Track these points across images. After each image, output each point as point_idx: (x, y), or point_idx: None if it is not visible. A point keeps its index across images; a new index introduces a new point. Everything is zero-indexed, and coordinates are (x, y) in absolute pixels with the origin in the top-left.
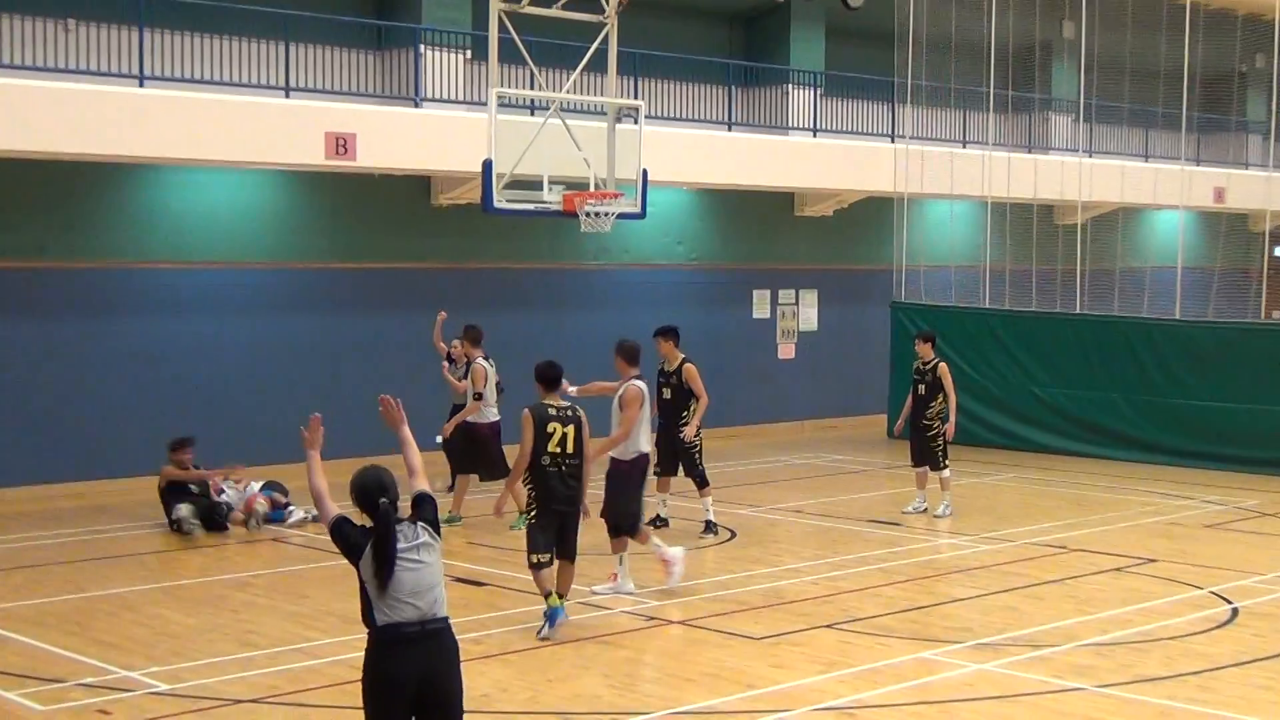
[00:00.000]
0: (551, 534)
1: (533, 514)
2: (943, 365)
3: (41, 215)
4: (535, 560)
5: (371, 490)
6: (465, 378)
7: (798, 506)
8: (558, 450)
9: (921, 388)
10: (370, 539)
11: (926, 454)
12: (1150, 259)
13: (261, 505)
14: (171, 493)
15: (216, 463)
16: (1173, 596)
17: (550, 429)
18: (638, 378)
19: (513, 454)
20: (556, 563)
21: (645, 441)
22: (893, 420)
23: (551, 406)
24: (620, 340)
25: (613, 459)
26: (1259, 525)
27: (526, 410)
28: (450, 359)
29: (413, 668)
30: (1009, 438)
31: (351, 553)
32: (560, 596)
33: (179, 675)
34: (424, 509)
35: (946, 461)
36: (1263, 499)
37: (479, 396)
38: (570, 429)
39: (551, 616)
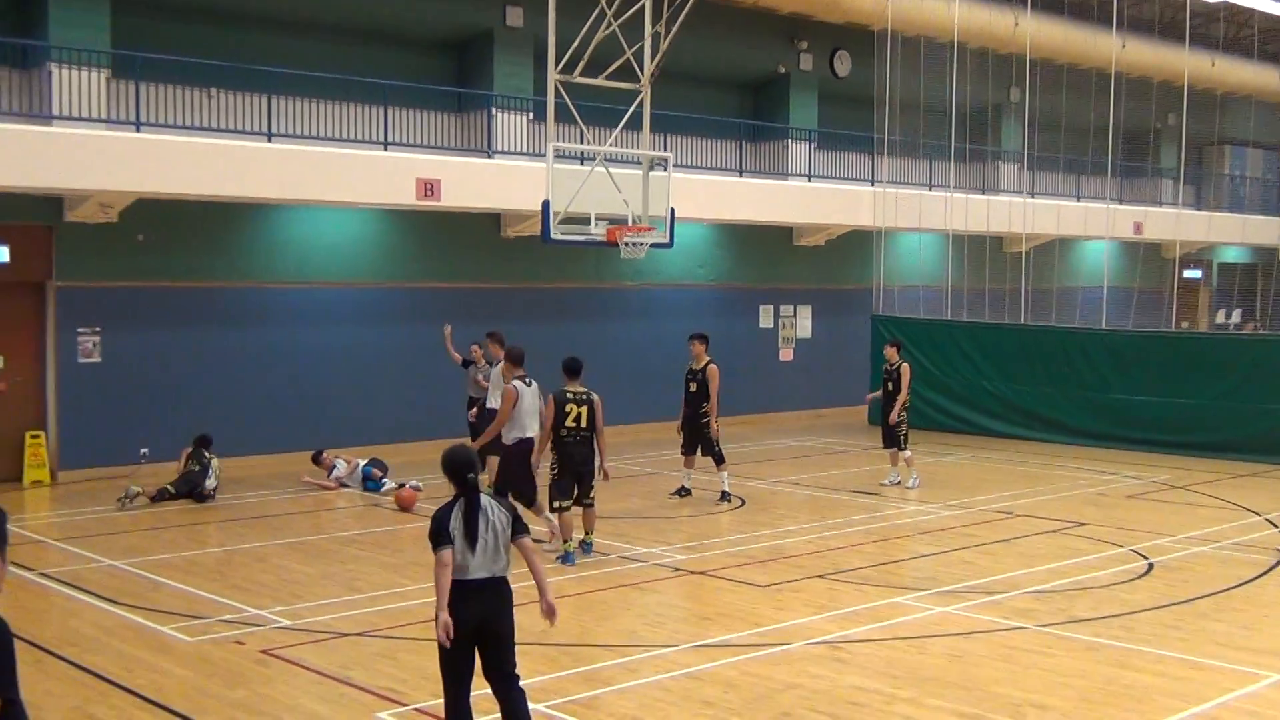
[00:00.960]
0: (570, 487)
1: (555, 472)
2: (905, 365)
3: (190, 245)
4: (557, 506)
5: (461, 464)
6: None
7: (795, 480)
8: (574, 425)
9: (890, 385)
10: (453, 510)
11: (893, 439)
12: (1081, 280)
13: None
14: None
15: (330, 442)
16: (1099, 553)
17: (568, 409)
18: (520, 378)
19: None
20: (580, 510)
21: (527, 429)
22: (871, 410)
23: (570, 391)
24: (509, 347)
25: (503, 444)
26: (1169, 496)
27: (551, 395)
28: (469, 363)
29: (473, 613)
30: (967, 425)
31: (443, 538)
32: (587, 532)
33: (299, 613)
34: (506, 500)
35: (908, 445)
36: (1172, 474)
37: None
38: (584, 409)
39: (567, 558)
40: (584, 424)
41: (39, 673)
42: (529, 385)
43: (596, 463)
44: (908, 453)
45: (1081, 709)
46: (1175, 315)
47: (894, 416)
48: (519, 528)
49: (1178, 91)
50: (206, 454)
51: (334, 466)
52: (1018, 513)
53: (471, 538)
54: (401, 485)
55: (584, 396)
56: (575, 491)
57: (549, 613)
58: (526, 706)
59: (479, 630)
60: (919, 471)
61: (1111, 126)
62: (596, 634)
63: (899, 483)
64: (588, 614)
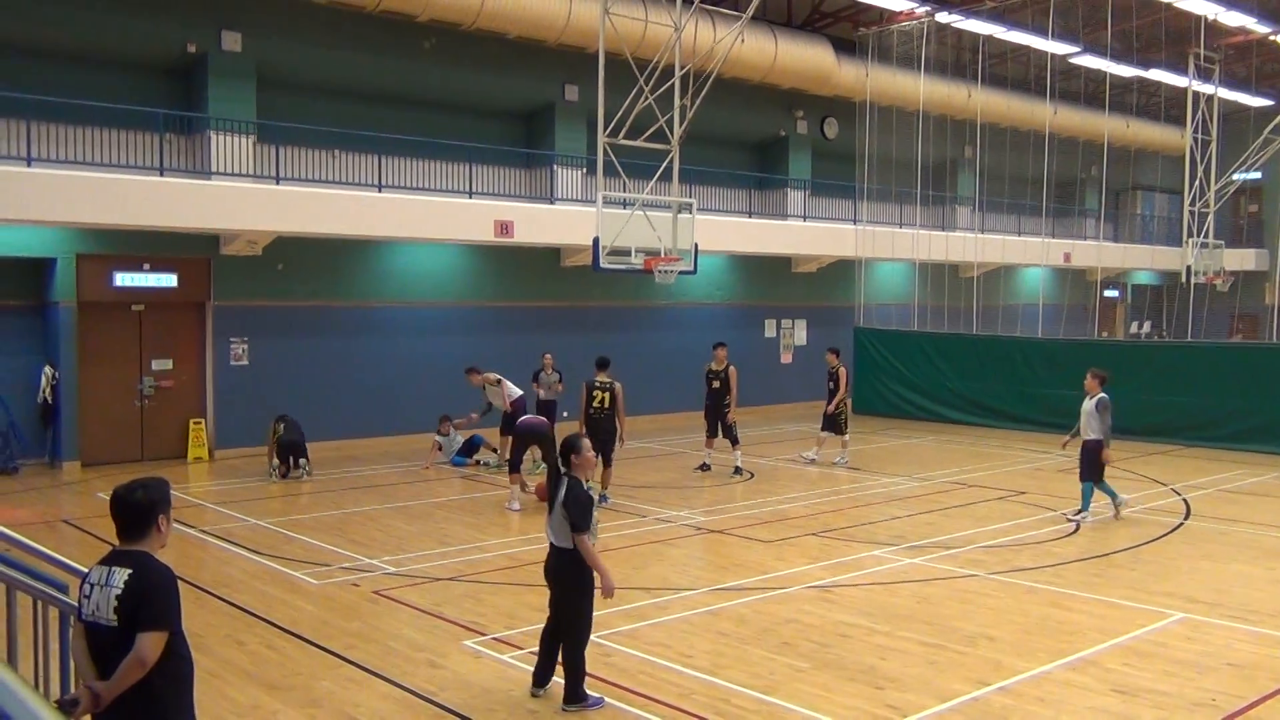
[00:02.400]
0: (595, 450)
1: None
2: (843, 369)
3: (317, 273)
4: None
5: (569, 448)
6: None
7: (793, 458)
8: (598, 406)
9: (831, 384)
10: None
11: (833, 425)
12: (1021, 299)
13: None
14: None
15: (424, 427)
16: (1036, 516)
17: (595, 394)
18: (496, 383)
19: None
20: (600, 469)
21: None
22: (855, 403)
23: (598, 381)
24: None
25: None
26: None
27: (584, 383)
28: (538, 372)
29: (547, 566)
30: (931, 414)
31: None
32: (604, 486)
33: (402, 562)
34: (578, 489)
35: (848, 430)
36: None
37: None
38: (606, 394)
39: (601, 499)
40: (606, 405)
41: (199, 608)
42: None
43: (617, 433)
44: (846, 436)
45: (1022, 639)
46: (1097, 326)
47: (831, 409)
48: (576, 526)
49: (1099, 148)
50: (280, 425)
51: (449, 434)
52: (970, 483)
53: (550, 507)
54: (484, 464)
55: (607, 385)
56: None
57: (606, 593)
58: (567, 660)
59: (548, 579)
60: (849, 453)
61: (1046, 176)
62: (635, 579)
63: (814, 459)
64: (628, 563)
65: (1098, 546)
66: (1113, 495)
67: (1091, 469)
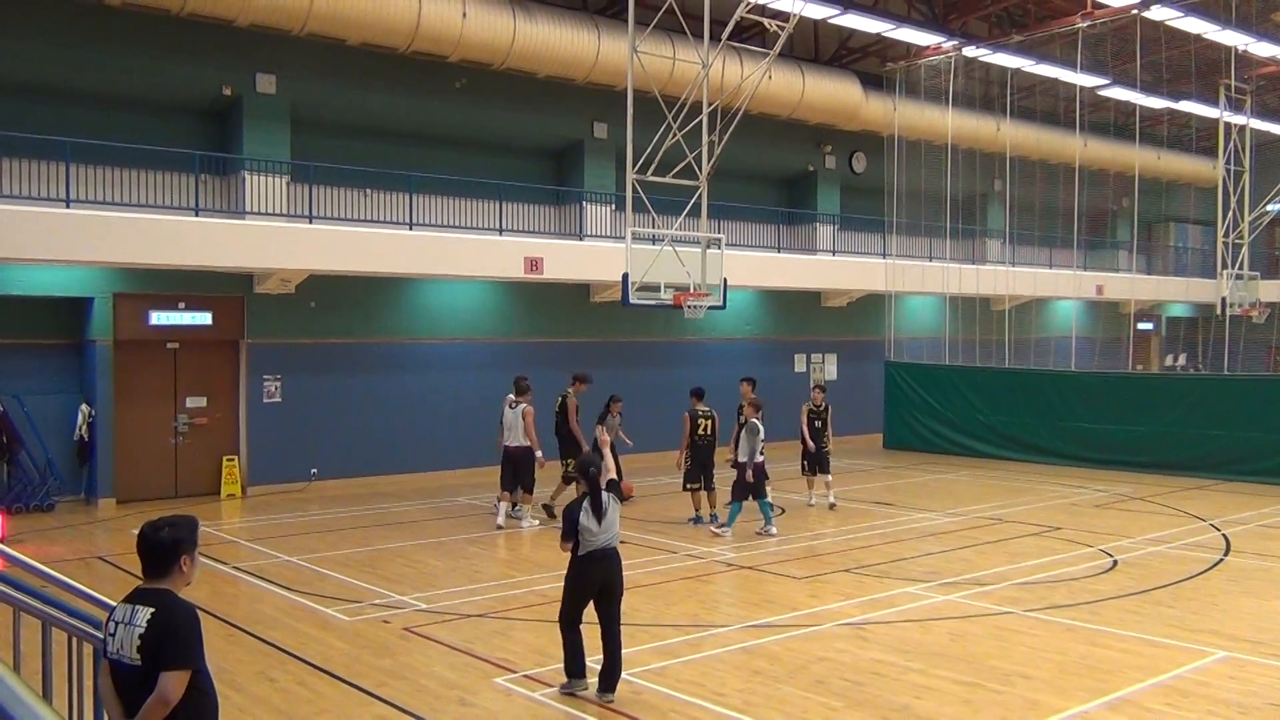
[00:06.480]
0: (698, 475)
1: (689, 465)
2: (829, 406)
3: (349, 310)
4: (689, 487)
5: (587, 465)
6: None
7: (824, 493)
8: (704, 434)
9: (818, 423)
10: (582, 503)
11: (823, 463)
12: (1054, 331)
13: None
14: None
15: (455, 462)
16: (1073, 552)
17: (699, 422)
18: (510, 404)
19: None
20: (705, 492)
21: (505, 439)
22: (886, 437)
23: (700, 409)
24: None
25: (508, 447)
26: (1129, 505)
27: (686, 413)
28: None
29: (600, 573)
30: (963, 448)
31: (573, 524)
32: (711, 506)
33: (433, 599)
34: (611, 485)
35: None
36: (1132, 488)
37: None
38: (709, 421)
39: (696, 520)
40: (710, 432)
41: (231, 644)
42: (511, 409)
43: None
44: (829, 476)
45: (1059, 678)
46: (1131, 359)
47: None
48: (612, 486)
49: (1130, 180)
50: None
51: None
52: (1005, 519)
53: (601, 511)
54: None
55: (709, 413)
56: (701, 479)
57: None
58: (620, 650)
59: (602, 587)
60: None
61: (1077, 209)
62: (666, 616)
63: (815, 504)
64: (659, 600)
65: (1136, 583)
66: (767, 515)
67: (739, 486)
